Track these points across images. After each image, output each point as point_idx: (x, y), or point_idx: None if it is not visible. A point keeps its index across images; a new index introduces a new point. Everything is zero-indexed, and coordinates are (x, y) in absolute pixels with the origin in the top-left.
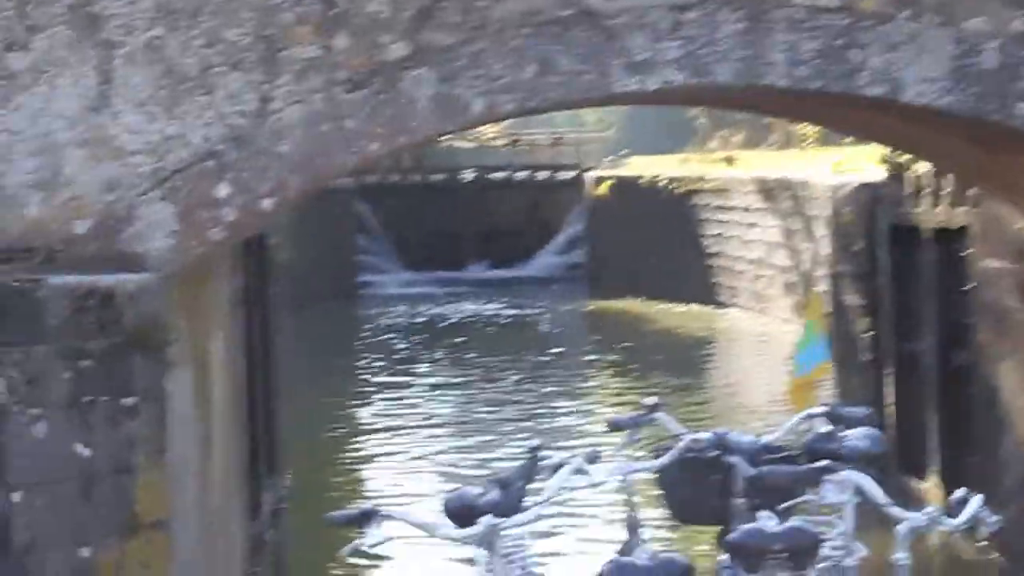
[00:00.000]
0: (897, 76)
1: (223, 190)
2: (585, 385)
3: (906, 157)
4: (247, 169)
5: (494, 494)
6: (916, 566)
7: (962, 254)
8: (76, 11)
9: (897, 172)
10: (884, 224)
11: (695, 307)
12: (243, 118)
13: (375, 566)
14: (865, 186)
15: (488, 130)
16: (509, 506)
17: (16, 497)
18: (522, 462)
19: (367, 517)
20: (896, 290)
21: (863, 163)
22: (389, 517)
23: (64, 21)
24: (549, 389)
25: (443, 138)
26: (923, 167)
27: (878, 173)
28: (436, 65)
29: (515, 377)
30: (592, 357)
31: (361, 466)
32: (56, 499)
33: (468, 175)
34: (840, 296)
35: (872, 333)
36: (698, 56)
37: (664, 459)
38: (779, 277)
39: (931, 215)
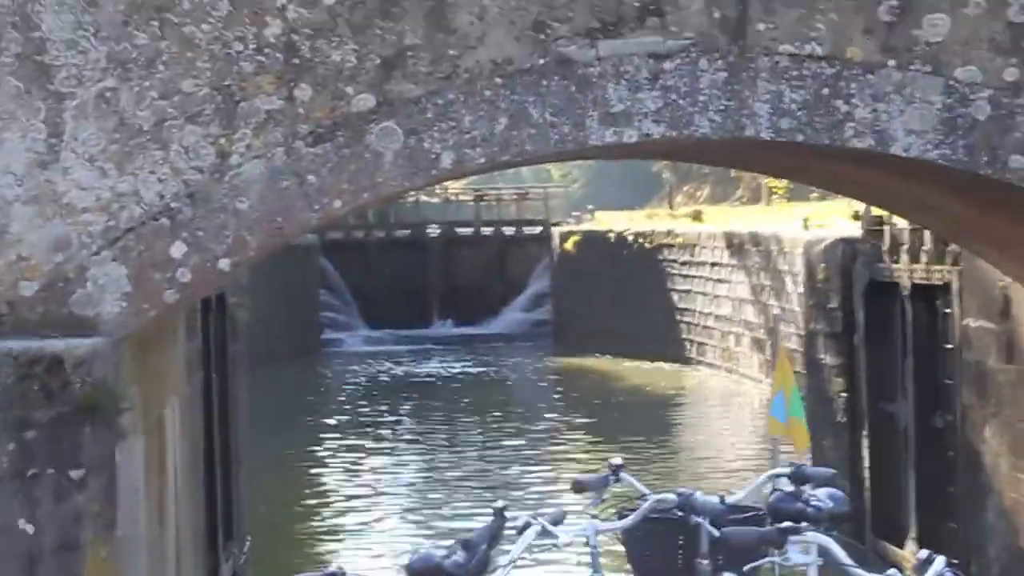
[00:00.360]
0: (885, 128)
1: (178, 250)
2: (550, 445)
3: (884, 212)
4: (204, 228)
5: (459, 555)
6: None
7: (942, 312)
8: (25, 61)
9: (875, 227)
10: (861, 280)
11: (663, 365)
12: (200, 173)
13: None
14: (841, 241)
15: (454, 185)
16: (474, 567)
17: None
18: (487, 523)
19: None
20: (872, 349)
21: (833, 218)
22: None
23: (12, 72)
24: (514, 450)
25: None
26: (902, 222)
27: (854, 228)
28: (403, 117)
29: (480, 437)
30: (558, 416)
31: (323, 530)
32: None
33: (433, 231)
34: (814, 355)
35: (847, 393)
36: (678, 107)
37: (629, 520)
38: (747, 334)
39: (910, 271)
